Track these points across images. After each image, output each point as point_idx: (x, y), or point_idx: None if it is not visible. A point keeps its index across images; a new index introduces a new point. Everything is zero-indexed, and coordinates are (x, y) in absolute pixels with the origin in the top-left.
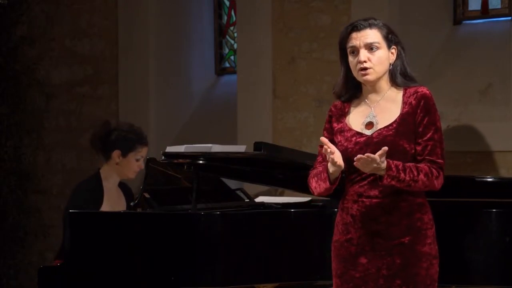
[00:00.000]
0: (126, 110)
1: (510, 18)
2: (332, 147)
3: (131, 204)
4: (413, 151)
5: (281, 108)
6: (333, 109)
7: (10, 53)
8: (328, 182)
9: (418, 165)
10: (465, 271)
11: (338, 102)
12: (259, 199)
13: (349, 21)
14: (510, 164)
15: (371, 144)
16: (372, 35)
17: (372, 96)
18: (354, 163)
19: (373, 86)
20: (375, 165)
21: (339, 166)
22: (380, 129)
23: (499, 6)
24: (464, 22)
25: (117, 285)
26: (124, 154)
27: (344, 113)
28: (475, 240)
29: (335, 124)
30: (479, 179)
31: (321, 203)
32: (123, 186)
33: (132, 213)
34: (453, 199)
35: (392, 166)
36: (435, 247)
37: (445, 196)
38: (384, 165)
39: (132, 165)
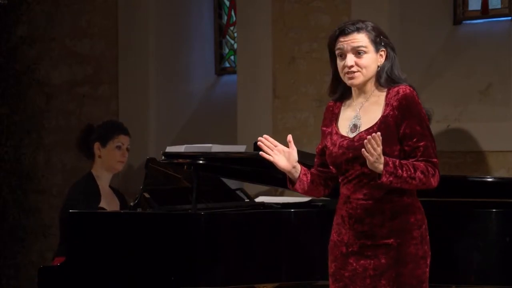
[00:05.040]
0: (126, 110)
1: (510, 18)
2: (275, 142)
3: (131, 204)
4: (395, 153)
5: (281, 108)
6: (325, 112)
7: (10, 53)
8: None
9: (414, 162)
10: (465, 271)
11: (331, 103)
12: (259, 199)
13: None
14: (510, 164)
15: (351, 147)
16: (359, 39)
17: (359, 98)
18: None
19: (360, 88)
20: (374, 155)
21: (276, 163)
22: (361, 132)
23: (499, 6)
24: (464, 22)
25: (117, 285)
26: (103, 144)
27: (334, 115)
28: (475, 240)
29: (324, 128)
30: (479, 179)
31: (321, 203)
32: (116, 192)
33: (132, 213)
34: (453, 199)
35: (390, 162)
36: (422, 247)
37: (444, 196)
38: (382, 159)
39: (114, 154)
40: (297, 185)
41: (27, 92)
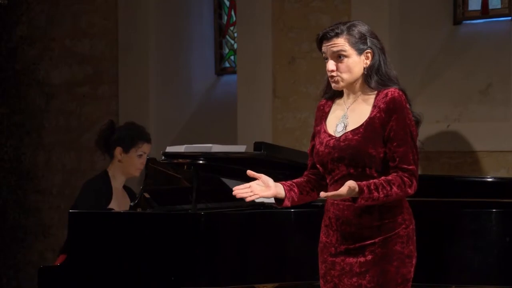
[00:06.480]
0: (126, 110)
1: (510, 18)
2: (246, 185)
3: (131, 204)
4: (381, 155)
5: (281, 108)
6: (316, 111)
7: (10, 53)
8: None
9: (389, 178)
10: (465, 271)
11: (322, 102)
12: (259, 199)
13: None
14: (510, 164)
15: (337, 147)
16: (339, 43)
17: (348, 98)
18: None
19: (348, 89)
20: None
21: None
22: (347, 132)
23: (499, 6)
24: (464, 22)
25: (117, 285)
26: (126, 150)
27: (325, 113)
28: (475, 240)
29: (317, 128)
30: (479, 179)
31: (321, 203)
32: (128, 190)
33: (132, 213)
34: (453, 199)
35: (364, 188)
36: (409, 247)
37: (444, 196)
38: (357, 189)
39: (135, 162)
40: (286, 202)
41: (27, 92)
